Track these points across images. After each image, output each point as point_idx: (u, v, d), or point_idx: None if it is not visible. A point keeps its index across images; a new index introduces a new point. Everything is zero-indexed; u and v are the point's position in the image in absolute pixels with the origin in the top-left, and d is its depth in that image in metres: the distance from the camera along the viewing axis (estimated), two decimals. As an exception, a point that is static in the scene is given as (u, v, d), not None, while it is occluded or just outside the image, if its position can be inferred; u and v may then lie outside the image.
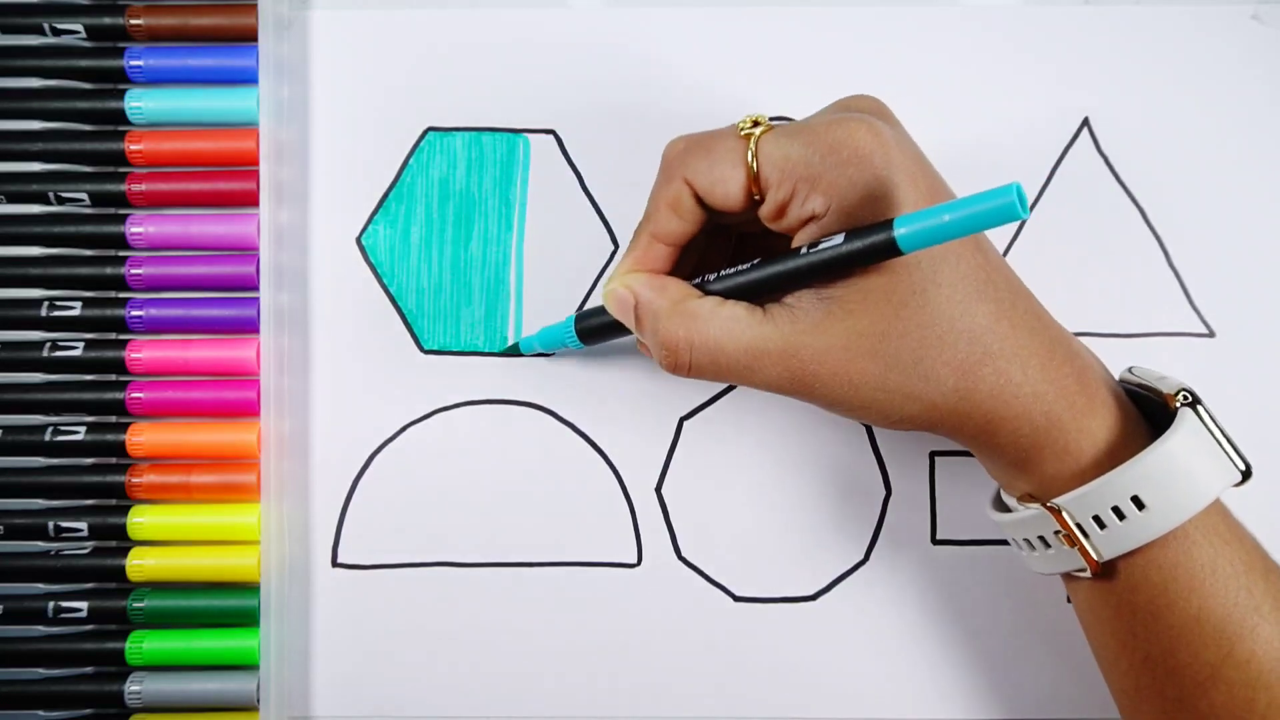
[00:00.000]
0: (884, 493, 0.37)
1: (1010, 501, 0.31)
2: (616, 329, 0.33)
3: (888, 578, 0.37)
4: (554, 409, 0.37)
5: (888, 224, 0.26)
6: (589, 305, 0.37)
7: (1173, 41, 0.37)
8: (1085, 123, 0.37)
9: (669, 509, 0.37)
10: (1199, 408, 0.28)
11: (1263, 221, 0.37)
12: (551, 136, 0.38)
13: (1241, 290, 0.37)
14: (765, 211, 0.30)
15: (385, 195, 0.38)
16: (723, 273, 0.30)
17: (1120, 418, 0.29)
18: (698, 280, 0.31)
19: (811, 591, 0.37)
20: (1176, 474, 0.27)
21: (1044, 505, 0.29)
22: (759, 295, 0.30)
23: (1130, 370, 0.31)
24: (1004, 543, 0.37)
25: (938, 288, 0.28)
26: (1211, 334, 0.37)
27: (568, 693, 0.37)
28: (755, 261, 0.30)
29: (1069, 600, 0.37)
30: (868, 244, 0.27)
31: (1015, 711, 0.37)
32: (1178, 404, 0.28)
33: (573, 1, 0.38)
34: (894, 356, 0.28)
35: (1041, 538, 0.30)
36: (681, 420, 0.37)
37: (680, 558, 0.37)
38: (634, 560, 0.37)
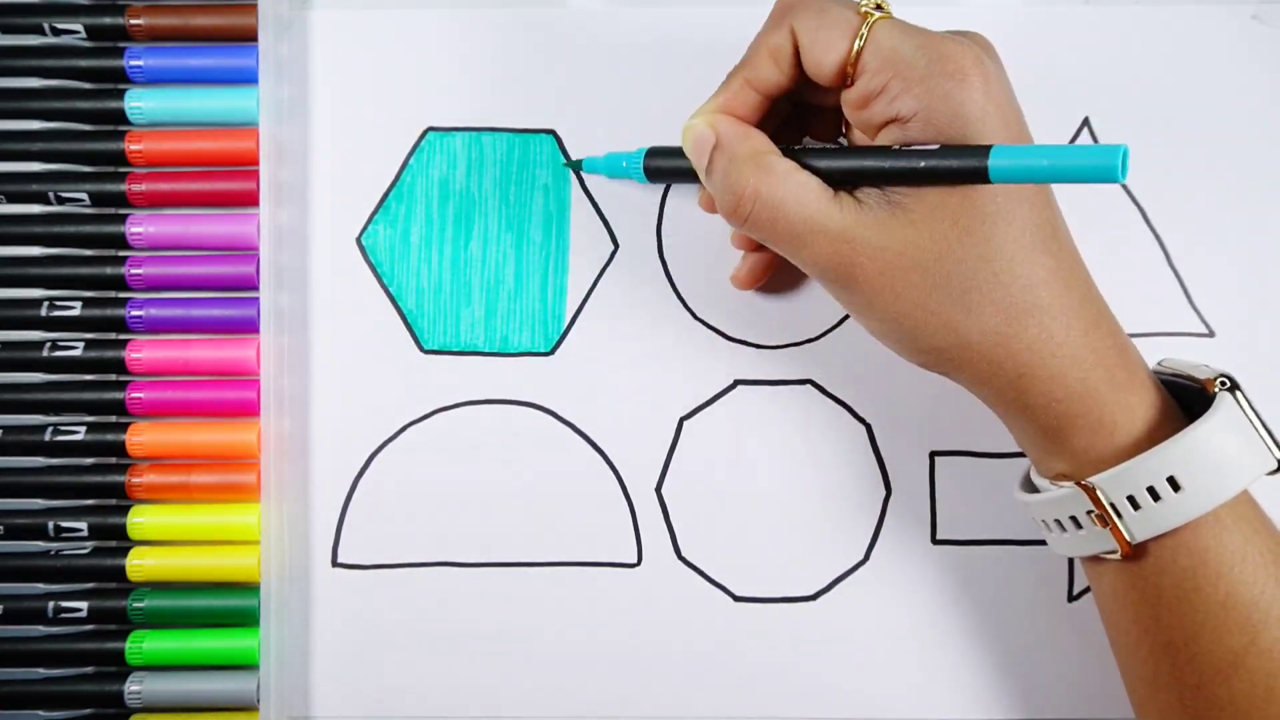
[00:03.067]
0: (884, 493, 0.37)
1: (1040, 482, 0.31)
2: (686, 174, 0.32)
3: (888, 578, 0.37)
4: (554, 409, 0.37)
5: (983, 150, 0.26)
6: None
7: (1173, 41, 0.37)
8: (1085, 123, 0.37)
9: (669, 509, 0.37)
10: (1238, 393, 0.28)
11: (1263, 221, 0.37)
12: (551, 136, 0.38)
13: (1241, 290, 0.37)
14: (851, 96, 0.30)
15: (385, 195, 0.38)
16: (804, 146, 0.30)
17: (1158, 398, 0.29)
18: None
19: (811, 591, 0.37)
20: (1214, 457, 0.27)
21: (1078, 484, 0.28)
22: (833, 178, 0.29)
23: (1161, 362, 0.31)
24: (1004, 543, 0.37)
25: (1008, 225, 0.28)
26: (1211, 334, 0.37)
27: (568, 693, 0.37)
28: (840, 145, 0.29)
29: (1070, 600, 0.37)
30: (960, 164, 0.26)
31: (1015, 711, 0.37)
32: (1216, 388, 0.28)
33: (573, 1, 0.38)
34: (945, 278, 0.28)
35: (1073, 518, 0.29)
36: (681, 420, 0.37)
37: (680, 558, 0.37)
38: (634, 560, 0.37)
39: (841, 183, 0.29)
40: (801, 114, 0.33)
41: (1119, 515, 0.28)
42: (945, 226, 0.28)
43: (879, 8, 0.29)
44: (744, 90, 0.31)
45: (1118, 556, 0.29)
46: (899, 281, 0.28)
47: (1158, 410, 0.29)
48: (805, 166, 0.30)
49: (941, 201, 0.28)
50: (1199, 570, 0.28)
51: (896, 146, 0.28)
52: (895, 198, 0.28)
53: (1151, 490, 0.27)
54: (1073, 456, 0.29)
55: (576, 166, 0.37)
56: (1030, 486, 0.32)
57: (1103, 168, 0.23)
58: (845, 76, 0.29)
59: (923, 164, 0.27)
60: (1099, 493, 0.28)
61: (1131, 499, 0.28)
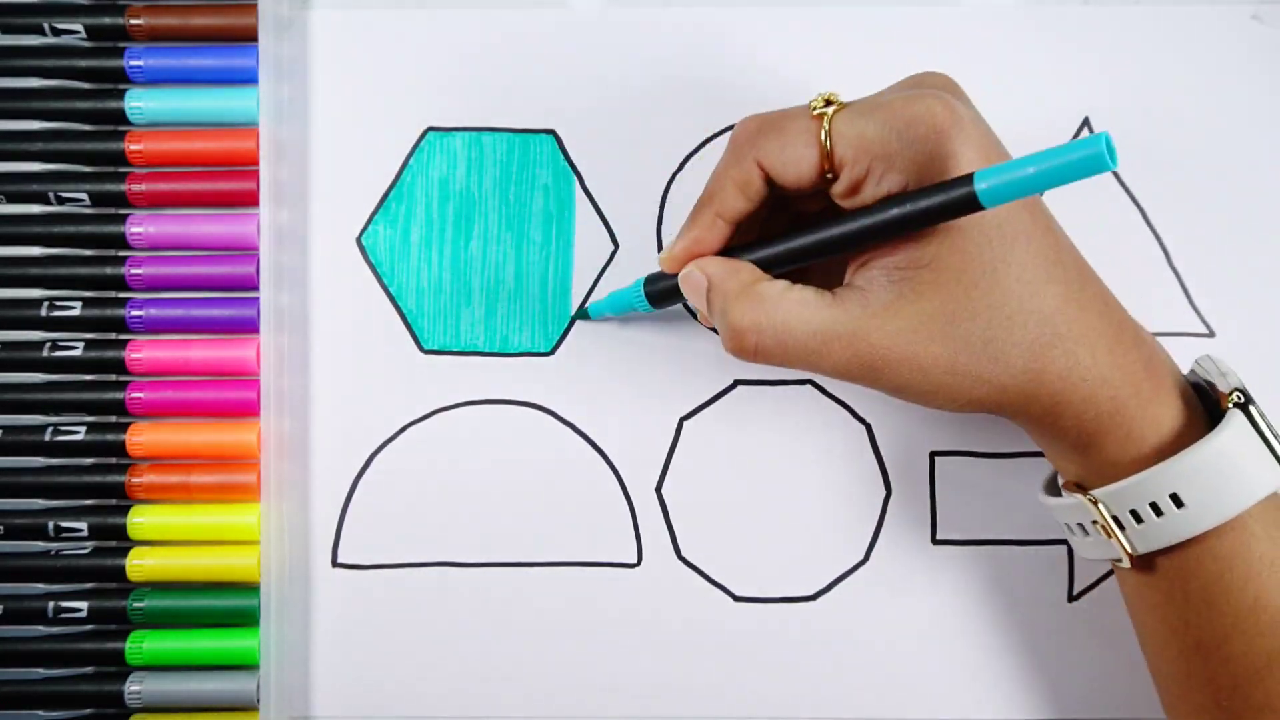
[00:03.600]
0: (884, 493, 0.37)
1: (1060, 485, 0.31)
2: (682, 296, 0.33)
3: (888, 578, 0.37)
4: (554, 409, 0.37)
5: (967, 178, 0.26)
6: (592, 301, 0.37)
7: (1173, 41, 0.37)
8: (1085, 123, 0.37)
9: (669, 509, 0.37)
10: (1251, 409, 0.28)
11: (1263, 221, 0.37)
12: (551, 136, 0.38)
13: (1241, 290, 0.37)
14: (839, 189, 0.30)
15: (385, 195, 0.38)
16: (789, 239, 0.30)
17: (1184, 409, 0.29)
18: (764, 250, 0.31)
19: (811, 591, 0.37)
20: (1218, 474, 0.27)
21: (1084, 495, 0.29)
22: (827, 254, 0.29)
23: (1198, 361, 0.31)
24: (1004, 543, 0.37)
25: (1008, 267, 0.28)
26: (1211, 334, 0.37)
27: (568, 693, 0.37)
28: (825, 221, 0.29)
29: (1070, 600, 0.37)
30: (948, 197, 0.26)
31: (1016, 711, 0.37)
32: (1229, 404, 0.28)
33: (573, 1, 0.38)
34: (964, 339, 0.28)
35: (1081, 525, 0.30)
36: (681, 420, 0.37)
37: (680, 558, 0.37)
38: (634, 560, 0.37)
39: (840, 254, 0.29)
40: (781, 206, 0.33)
41: (1121, 528, 0.28)
42: (951, 287, 0.28)
43: (829, 103, 0.30)
44: (715, 224, 0.31)
45: (1127, 566, 0.29)
46: (922, 357, 0.28)
47: (1183, 419, 0.29)
48: (792, 259, 0.30)
49: (941, 264, 0.28)
50: (1225, 575, 0.28)
51: (877, 205, 0.28)
52: (897, 275, 0.28)
53: (1154, 506, 0.28)
54: (1098, 466, 0.29)
55: (583, 315, 0.37)
56: (1054, 488, 0.32)
57: (1090, 159, 0.23)
58: (824, 176, 0.30)
59: (911, 207, 0.27)
60: (1101, 506, 0.29)
61: (1134, 513, 0.28)
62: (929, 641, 0.37)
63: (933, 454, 0.37)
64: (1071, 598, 0.37)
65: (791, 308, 0.29)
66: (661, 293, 0.34)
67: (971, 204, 0.26)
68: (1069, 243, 0.30)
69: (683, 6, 0.38)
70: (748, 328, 0.29)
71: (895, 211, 0.28)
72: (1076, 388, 0.28)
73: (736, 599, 0.37)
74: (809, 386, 0.37)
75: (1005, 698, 0.37)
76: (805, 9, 0.38)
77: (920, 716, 0.37)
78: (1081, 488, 0.30)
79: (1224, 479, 0.27)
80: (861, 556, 0.37)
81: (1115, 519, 0.28)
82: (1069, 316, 0.28)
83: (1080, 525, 0.30)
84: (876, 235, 0.28)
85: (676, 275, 0.32)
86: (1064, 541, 0.37)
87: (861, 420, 0.37)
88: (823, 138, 0.29)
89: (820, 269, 0.32)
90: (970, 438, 0.37)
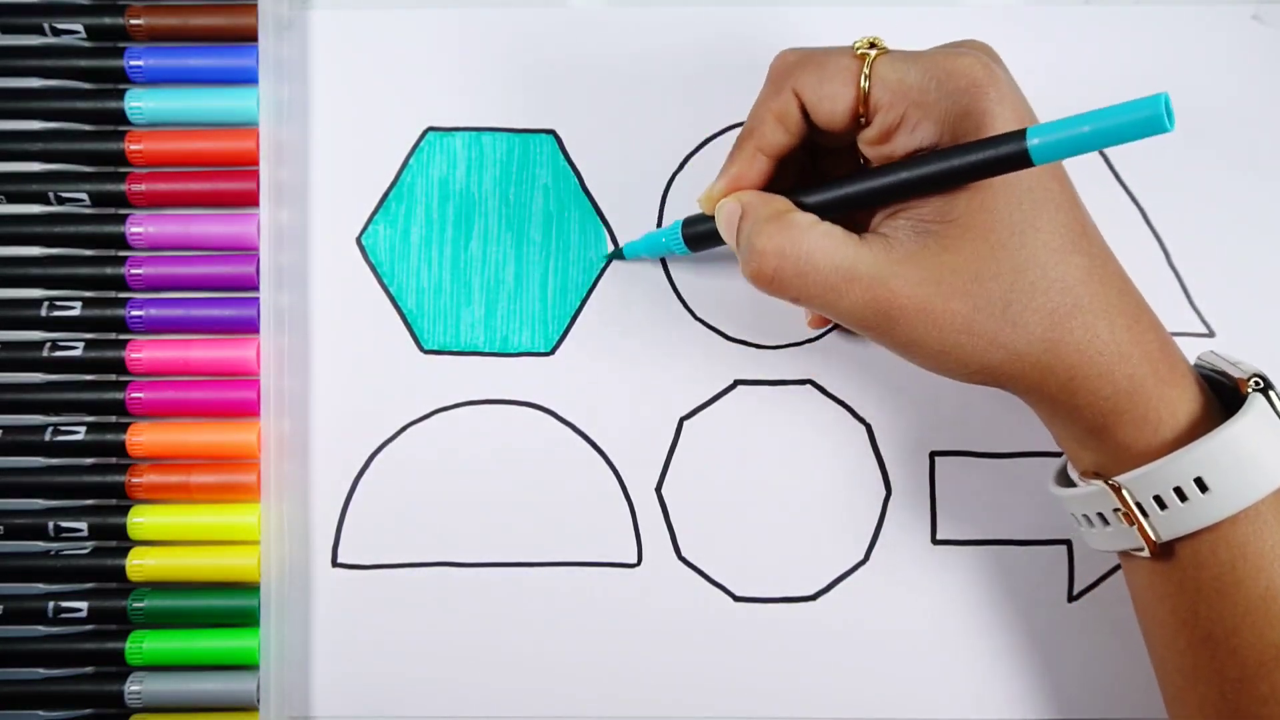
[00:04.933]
0: (884, 493, 0.37)
1: (1074, 475, 0.31)
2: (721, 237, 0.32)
3: (888, 578, 0.37)
4: (554, 409, 0.37)
5: (1019, 134, 0.25)
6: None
7: (1173, 41, 0.37)
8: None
9: (669, 509, 0.37)
10: (1271, 393, 0.28)
11: (1263, 222, 0.37)
12: (551, 136, 0.38)
13: (1241, 290, 0.37)
14: (870, 135, 0.30)
15: (385, 195, 0.38)
16: (830, 183, 0.30)
17: (1199, 394, 0.29)
18: (807, 195, 0.30)
19: (811, 591, 0.37)
20: (1242, 459, 0.27)
21: (1105, 482, 0.29)
22: (868, 201, 0.29)
23: (1200, 357, 0.31)
24: (1004, 543, 0.37)
25: (1036, 232, 0.28)
26: (1211, 334, 0.37)
27: (568, 693, 0.37)
28: (869, 171, 0.29)
29: (1070, 600, 0.37)
30: (999, 152, 0.26)
31: (1015, 711, 0.37)
32: (1250, 389, 0.28)
33: (573, 1, 0.38)
34: (985, 298, 0.28)
35: (1101, 514, 0.30)
36: (681, 420, 0.37)
37: (680, 558, 0.37)
38: (634, 560, 0.37)
39: (878, 205, 0.29)
40: (817, 160, 0.33)
41: (1145, 515, 0.28)
42: (977, 245, 0.28)
43: (873, 45, 0.30)
44: (755, 158, 0.31)
45: (1146, 554, 0.29)
46: (940, 312, 0.28)
47: (1199, 405, 0.28)
48: (833, 207, 0.30)
49: (970, 221, 0.28)
50: (1239, 564, 0.28)
51: (925, 154, 0.28)
52: (924, 227, 0.28)
53: (1178, 491, 0.27)
54: (1113, 452, 0.29)
55: (619, 255, 0.37)
56: (1065, 480, 0.32)
57: (1148, 120, 0.23)
58: (858, 120, 0.30)
59: (961, 160, 0.27)
60: (1125, 492, 0.28)
61: (1158, 499, 0.28)
62: (929, 641, 0.37)
63: (933, 454, 0.37)
64: (1071, 598, 0.37)
65: (818, 240, 0.29)
66: (700, 235, 0.33)
67: (1022, 160, 0.25)
68: (1092, 220, 0.30)
69: (683, 6, 0.38)
70: (771, 251, 0.29)
71: (943, 164, 0.27)
72: (1094, 361, 0.28)
73: (736, 599, 0.37)
74: (809, 386, 0.37)
75: (1005, 698, 0.37)
76: (806, 9, 0.38)
77: (920, 716, 0.37)
78: (1100, 476, 0.29)
79: (1248, 463, 0.27)
80: (861, 556, 0.37)
81: (1139, 505, 0.28)
82: (1091, 289, 0.28)
83: (1099, 515, 0.30)
84: (922, 187, 0.28)
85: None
86: (1064, 541, 0.37)
87: (861, 420, 0.37)
88: (862, 79, 0.29)
89: (843, 220, 0.32)
90: (970, 438, 0.37)
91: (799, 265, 0.29)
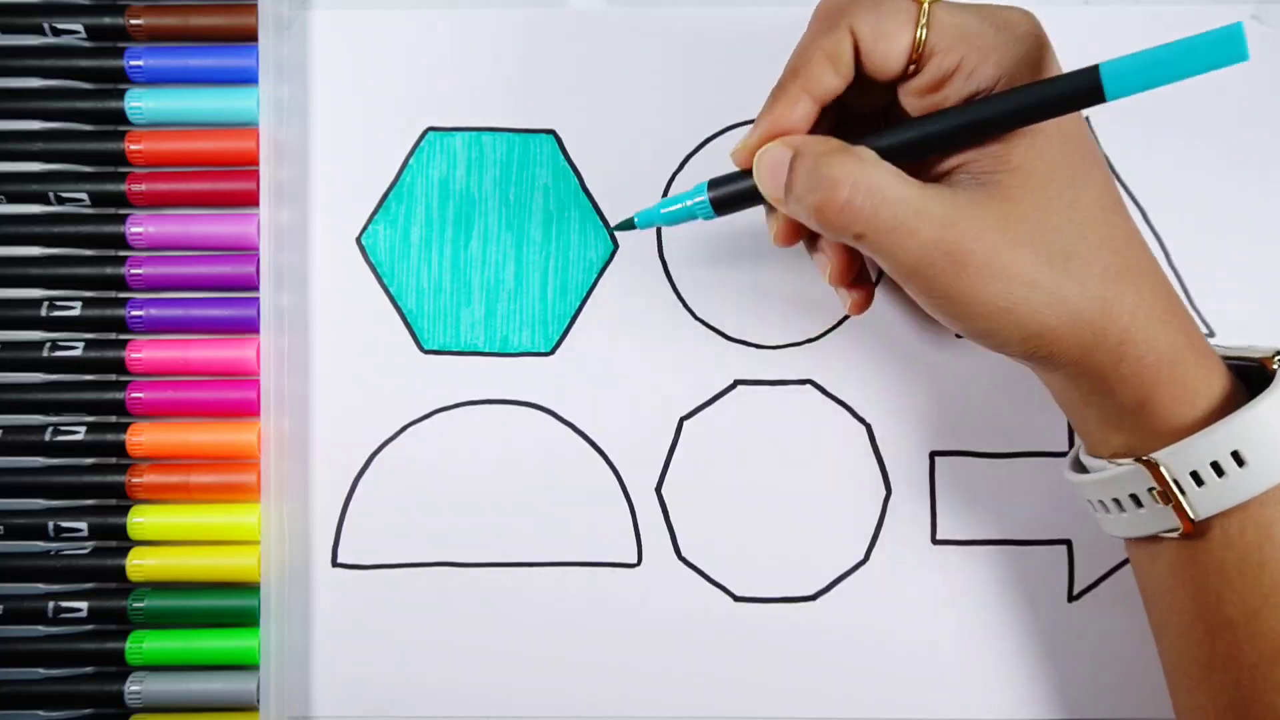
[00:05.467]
0: (884, 493, 0.37)
1: (1094, 462, 0.30)
2: (755, 196, 0.30)
3: (888, 578, 0.37)
4: (554, 409, 0.37)
5: (1091, 68, 0.25)
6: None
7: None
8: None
9: (669, 509, 0.37)
10: None
11: (1263, 222, 0.37)
12: (551, 136, 0.38)
13: (1241, 290, 0.37)
14: (919, 83, 0.29)
15: (385, 195, 0.38)
16: (891, 129, 0.29)
17: (1226, 370, 0.29)
18: (869, 140, 0.29)
19: (811, 591, 0.37)
20: (1278, 430, 0.27)
21: (1139, 460, 0.28)
22: (936, 145, 0.28)
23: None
24: (1004, 543, 0.37)
25: (1088, 187, 0.28)
26: (1211, 334, 0.37)
27: (568, 693, 0.37)
28: (930, 115, 0.28)
29: (1070, 600, 0.37)
30: (1073, 85, 0.25)
31: (1015, 712, 0.37)
32: (1276, 365, 0.28)
33: (573, 1, 0.38)
34: (1049, 247, 0.27)
35: (1133, 496, 0.29)
36: (681, 420, 0.37)
37: (680, 558, 0.37)
38: (634, 560, 0.37)
39: (941, 151, 0.29)
40: (841, 127, 0.32)
41: (1182, 492, 0.28)
42: (1037, 195, 0.27)
43: None
44: (801, 101, 0.29)
45: (1177, 535, 0.28)
46: (1009, 264, 0.27)
47: (1229, 381, 0.28)
48: (898, 153, 0.28)
49: (1029, 169, 0.27)
50: (1265, 545, 0.27)
51: (991, 92, 0.28)
52: (984, 176, 0.28)
53: (1216, 465, 0.27)
54: (1149, 427, 0.28)
55: (628, 225, 0.34)
56: (1080, 468, 0.31)
57: (1227, 50, 0.23)
58: (908, 67, 0.29)
59: (1034, 96, 0.26)
60: (1163, 469, 0.28)
61: (1195, 475, 0.27)
62: (929, 641, 0.37)
63: (933, 454, 0.37)
64: (1071, 598, 0.37)
65: (888, 173, 0.27)
66: (731, 196, 0.31)
67: (1095, 94, 0.25)
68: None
69: (683, 6, 0.38)
70: (842, 178, 0.27)
71: (1016, 100, 0.27)
72: (1144, 325, 0.27)
73: (736, 599, 0.37)
74: (809, 386, 0.37)
75: (1005, 698, 0.37)
76: (806, 9, 0.38)
77: (920, 716, 0.37)
78: (1128, 456, 0.29)
79: None
80: (861, 556, 0.37)
81: (1175, 482, 0.28)
82: (1136, 251, 0.28)
83: (1132, 497, 0.29)
84: (993, 126, 0.27)
85: (749, 172, 0.30)
86: (1064, 541, 0.37)
87: (861, 420, 0.37)
88: (922, 18, 0.28)
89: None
90: (970, 438, 0.37)
91: (871, 196, 0.27)
